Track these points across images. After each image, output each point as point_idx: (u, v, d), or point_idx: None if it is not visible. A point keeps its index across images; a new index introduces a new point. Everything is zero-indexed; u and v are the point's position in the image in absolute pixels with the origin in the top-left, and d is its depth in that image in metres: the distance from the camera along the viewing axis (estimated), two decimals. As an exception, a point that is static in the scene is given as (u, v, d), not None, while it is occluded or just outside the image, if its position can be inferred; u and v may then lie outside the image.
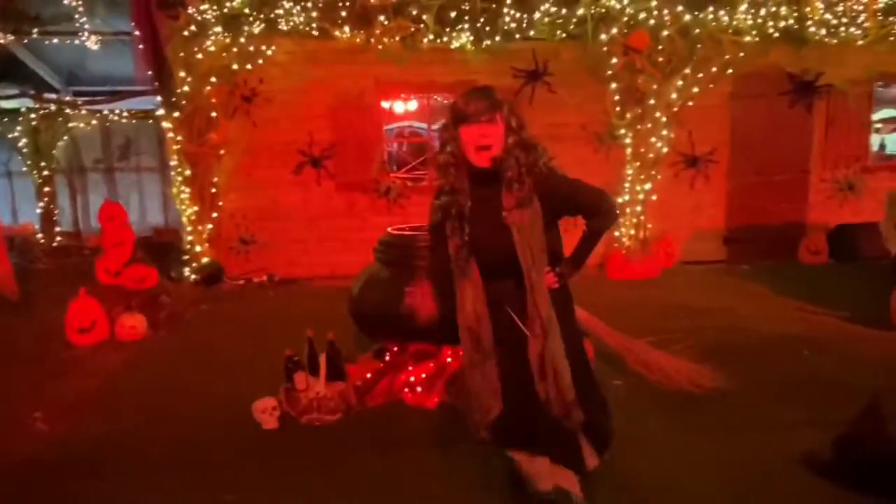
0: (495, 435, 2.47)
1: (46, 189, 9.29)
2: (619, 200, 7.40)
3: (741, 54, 6.93)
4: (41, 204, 9.31)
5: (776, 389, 3.72)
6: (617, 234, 7.47)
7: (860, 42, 7.18)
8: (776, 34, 7.00)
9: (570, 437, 2.41)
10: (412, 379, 3.62)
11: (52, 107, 9.17)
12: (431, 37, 6.76)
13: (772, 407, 3.48)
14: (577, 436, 2.42)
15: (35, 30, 8.46)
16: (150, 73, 6.46)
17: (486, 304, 2.33)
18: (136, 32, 6.48)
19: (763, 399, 3.59)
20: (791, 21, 6.96)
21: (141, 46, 6.43)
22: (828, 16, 6.97)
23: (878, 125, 9.00)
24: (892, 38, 7.21)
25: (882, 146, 10.62)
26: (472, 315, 2.33)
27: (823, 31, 7.06)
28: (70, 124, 9.22)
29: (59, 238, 9.37)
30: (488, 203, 2.23)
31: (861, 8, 6.96)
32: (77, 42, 8.62)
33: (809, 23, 7.00)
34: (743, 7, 6.78)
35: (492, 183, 2.25)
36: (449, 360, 3.66)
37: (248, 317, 5.83)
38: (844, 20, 7.00)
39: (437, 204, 2.39)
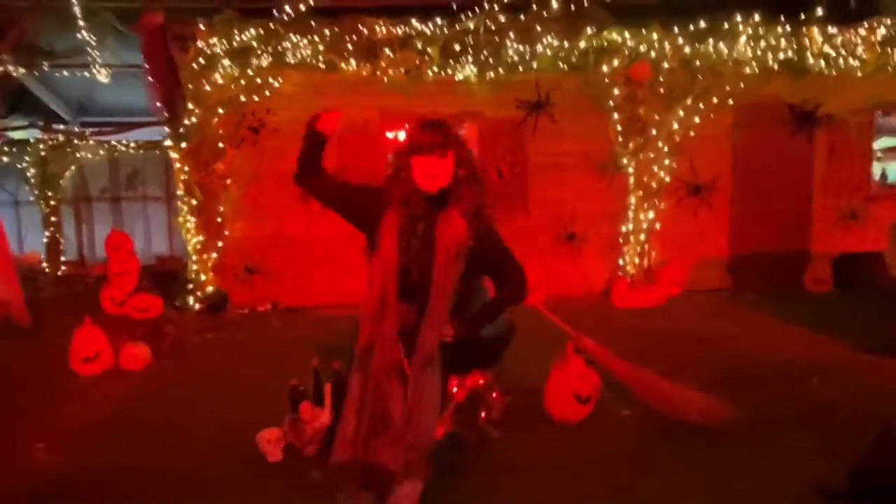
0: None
1: (53, 218, 9.35)
2: (623, 229, 7.44)
3: (741, 85, 7.02)
4: (47, 233, 9.36)
5: (786, 419, 3.69)
6: (621, 262, 7.48)
7: (859, 73, 7.27)
8: (776, 65, 7.10)
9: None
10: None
11: (61, 137, 9.29)
12: (436, 69, 6.87)
13: (782, 436, 3.45)
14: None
15: (46, 63, 8.63)
16: (165, 103, 6.55)
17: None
18: (146, 66, 6.60)
19: (773, 428, 3.55)
20: (790, 53, 7.06)
21: (151, 80, 6.54)
22: (826, 48, 7.08)
23: (880, 154, 9.05)
24: (890, 69, 7.30)
25: (884, 175, 10.66)
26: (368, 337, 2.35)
27: (823, 63, 7.16)
28: (78, 154, 9.33)
29: (64, 267, 9.39)
30: (426, 226, 2.34)
31: (859, 40, 7.07)
32: (87, 74, 8.78)
33: (808, 54, 7.10)
34: (743, 39, 6.89)
35: (434, 208, 2.36)
36: (455, 389, 3.63)
37: (253, 346, 5.81)
38: (843, 51, 7.11)
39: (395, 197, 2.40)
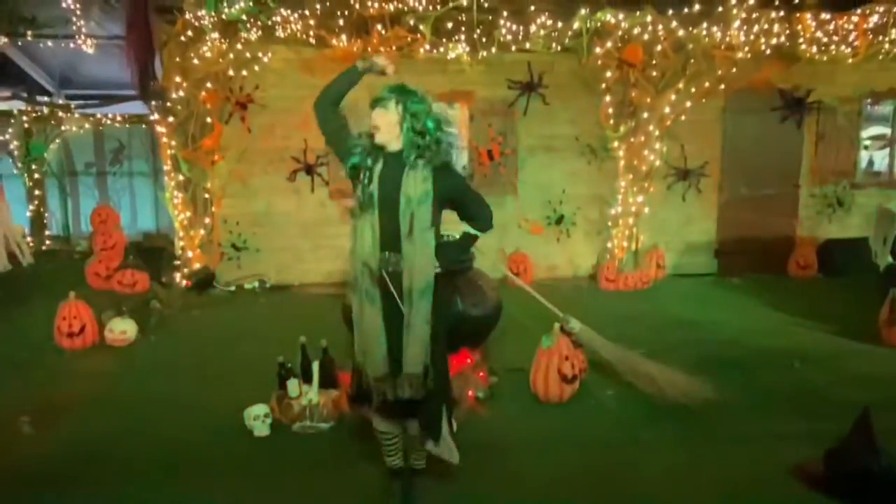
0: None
1: (37, 192, 9.22)
2: (612, 212, 7.46)
3: (733, 70, 7.02)
4: (31, 207, 9.23)
5: (766, 402, 3.75)
6: (609, 245, 7.51)
7: (850, 60, 7.29)
8: (768, 51, 7.09)
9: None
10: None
11: (45, 110, 9.12)
12: (428, 47, 6.80)
13: (762, 419, 3.51)
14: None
15: (29, 32, 8.43)
16: (137, 77, 6.44)
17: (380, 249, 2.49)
18: (124, 37, 6.49)
19: (753, 411, 3.61)
20: (783, 38, 7.06)
21: (127, 52, 6.43)
22: (819, 34, 7.08)
23: (867, 142, 9.09)
24: (881, 57, 7.33)
25: (870, 163, 10.75)
26: (369, 252, 2.48)
27: (814, 49, 7.17)
28: (62, 127, 9.17)
29: (48, 241, 9.28)
30: (393, 173, 2.48)
31: (851, 27, 7.07)
32: (71, 45, 8.59)
33: (801, 40, 7.10)
34: (736, 24, 6.87)
35: (397, 162, 2.51)
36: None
37: (240, 323, 5.79)
38: (835, 38, 7.11)
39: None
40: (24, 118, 8.95)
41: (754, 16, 6.87)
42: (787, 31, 7.05)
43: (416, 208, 2.44)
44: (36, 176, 9.15)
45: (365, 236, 2.49)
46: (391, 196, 2.46)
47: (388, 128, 2.51)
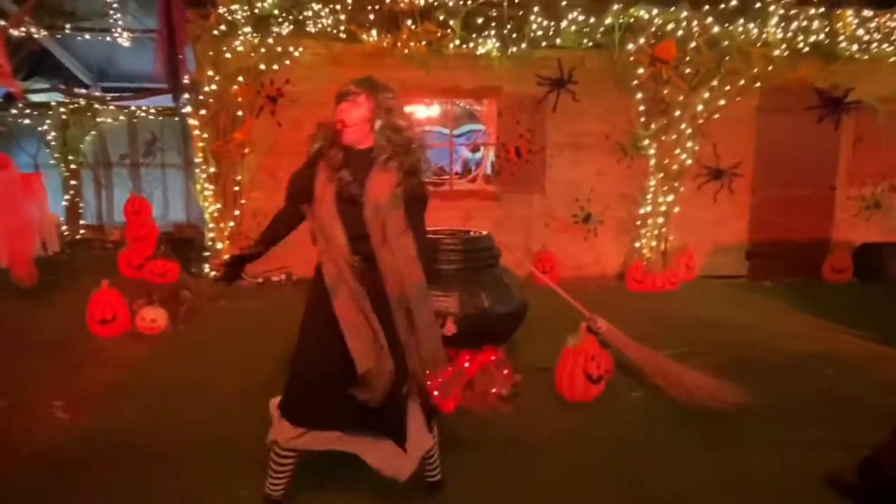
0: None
1: (73, 182, 9.44)
2: (641, 211, 7.36)
3: (770, 68, 6.86)
4: (67, 196, 9.45)
5: (797, 408, 3.66)
6: (637, 245, 7.42)
7: (892, 59, 7.08)
8: (806, 48, 6.92)
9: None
10: (428, 382, 3.59)
11: (82, 101, 9.32)
12: (458, 42, 6.78)
13: (792, 426, 3.43)
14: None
15: (68, 25, 8.62)
16: (163, 70, 6.52)
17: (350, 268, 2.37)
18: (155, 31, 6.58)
19: (783, 417, 3.53)
20: (822, 36, 6.88)
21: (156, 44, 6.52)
22: (860, 31, 6.88)
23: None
24: (925, 56, 7.11)
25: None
26: (343, 250, 2.38)
27: (854, 47, 6.98)
28: (98, 119, 9.37)
29: (83, 231, 9.50)
30: (357, 174, 2.30)
31: (894, 24, 6.86)
32: (108, 39, 8.76)
33: (840, 38, 6.91)
34: (773, 20, 6.72)
35: (364, 161, 2.32)
36: (466, 364, 3.64)
37: (268, 314, 5.85)
38: (877, 36, 6.91)
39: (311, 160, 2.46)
40: (62, 110, 9.16)
41: (792, 12, 6.74)
42: (827, 29, 6.87)
43: (387, 214, 2.24)
44: (72, 166, 9.36)
45: (335, 234, 2.37)
46: (354, 199, 2.28)
47: (359, 124, 2.30)
